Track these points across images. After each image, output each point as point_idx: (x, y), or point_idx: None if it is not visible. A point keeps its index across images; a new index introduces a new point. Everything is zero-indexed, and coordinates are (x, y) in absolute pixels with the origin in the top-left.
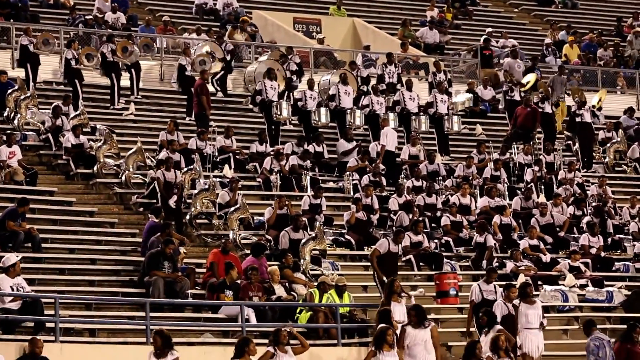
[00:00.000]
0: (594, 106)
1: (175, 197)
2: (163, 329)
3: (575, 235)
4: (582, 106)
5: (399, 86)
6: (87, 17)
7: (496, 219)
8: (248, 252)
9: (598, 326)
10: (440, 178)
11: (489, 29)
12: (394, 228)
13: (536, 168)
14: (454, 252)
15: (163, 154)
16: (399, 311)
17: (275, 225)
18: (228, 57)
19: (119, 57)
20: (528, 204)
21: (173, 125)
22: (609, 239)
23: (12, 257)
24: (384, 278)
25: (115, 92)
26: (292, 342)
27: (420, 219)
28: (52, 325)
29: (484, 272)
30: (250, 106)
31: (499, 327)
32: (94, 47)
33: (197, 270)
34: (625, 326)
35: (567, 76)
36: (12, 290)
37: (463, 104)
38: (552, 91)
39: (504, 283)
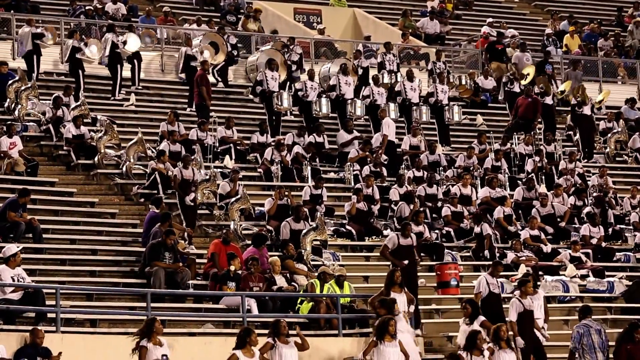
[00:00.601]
0: (599, 102)
1: (192, 195)
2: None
3: (576, 226)
4: (583, 104)
5: (399, 75)
6: (87, 7)
7: (498, 210)
8: (249, 242)
9: (600, 317)
10: (441, 168)
11: (490, 19)
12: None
13: (537, 158)
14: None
15: (164, 145)
16: (399, 301)
17: (276, 215)
18: (229, 49)
19: (121, 49)
20: (530, 194)
21: (173, 116)
22: (610, 229)
23: (12, 248)
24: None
25: (117, 82)
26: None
27: (421, 209)
28: (53, 315)
29: (488, 264)
30: (251, 97)
31: (482, 318)
32: (96, 39)
33: (198, 260)
34: (625, 316)
35: (573, 68)
36: (13, 280)
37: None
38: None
39: (514, 278)
